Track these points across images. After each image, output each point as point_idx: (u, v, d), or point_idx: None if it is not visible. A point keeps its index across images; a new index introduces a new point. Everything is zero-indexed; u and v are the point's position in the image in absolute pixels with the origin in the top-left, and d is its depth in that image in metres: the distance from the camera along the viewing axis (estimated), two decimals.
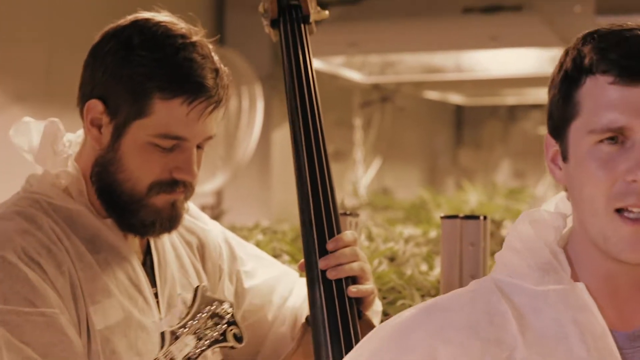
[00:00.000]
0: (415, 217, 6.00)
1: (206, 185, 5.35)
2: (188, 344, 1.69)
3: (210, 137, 1.71)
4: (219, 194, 6.12)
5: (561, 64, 1.30)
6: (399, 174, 9.39)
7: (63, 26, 4.66)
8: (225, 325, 1.76)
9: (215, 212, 5.68)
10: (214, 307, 1.76)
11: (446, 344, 1.25)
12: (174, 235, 1.81)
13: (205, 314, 1.74)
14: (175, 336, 1.68)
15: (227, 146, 5.40)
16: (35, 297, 1.58)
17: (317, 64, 1.91)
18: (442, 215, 2.02)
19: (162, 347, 1.66)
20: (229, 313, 1.77)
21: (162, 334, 1.67)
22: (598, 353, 1.24)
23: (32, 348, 1.55)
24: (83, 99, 1.70)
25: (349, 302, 1.70)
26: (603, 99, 1.23)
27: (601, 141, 1.23)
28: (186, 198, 1.73)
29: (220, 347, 1.75)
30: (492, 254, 2.12)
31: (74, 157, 1.73)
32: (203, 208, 2.42)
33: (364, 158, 8.19)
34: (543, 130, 1.40)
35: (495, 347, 1.25)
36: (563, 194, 1.35)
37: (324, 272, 1.71)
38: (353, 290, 1.71)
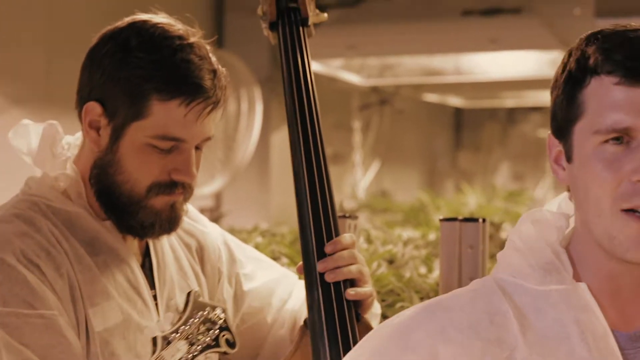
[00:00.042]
0: (414, 219, 6.01)
1: (205, 188, 5.35)
2: (180, 349, 1.69)
3: (208, 138, 1.71)
4: (218, 197, 6.12)
5: (564, 65, 1.30)
6: (398, 177, 9.39)
7: (62, 29, 4.66)
8: (218, 330, 1.76)
9: (214, 215, 5.67)
10: (207, 312, 1.76)
11: (447, 344, 1.25)
12: (173, 237, 1.81)
13: (198, 320, 1.74)
14: (167, 341, 1.67)
15: (226, 149, 5.39)
16: (34, 299, 1.58)
17: (316, 66, 1.91)
18: (441, 217, 2.03)
19: (153, 352, 1.66)
20: (221, 318, 1.77)
21: (154, 339, 1.67)
22: (599, 353, 1.24)
23: (31, 350, 1.55)
24: (81, 101, 1.70)
25: (347, 305, 1.70)
26: (608, 99, 1.24)
27: (606, 141, 1.24)
28: (185, 199, 1.73)
29: (212, 352, 1.75)
30: (491, 256, 2.12)
31: (72, 160, 1.73)
32: (202, 211, 2.42)
33: (363, 160, 8.19)
34: (542, 133, 1.41)
35: (495, 347, 1.25)
36: (566, 194, 1.35)
37: (322, 274, 1.71)
38: (351, 292, 1.71)
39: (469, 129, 11.24)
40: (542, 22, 5.67)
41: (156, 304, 1.73)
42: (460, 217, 1.99)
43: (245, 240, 2.46)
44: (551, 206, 1.37)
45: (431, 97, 9.65)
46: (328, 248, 1.72)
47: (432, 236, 3.97)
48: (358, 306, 1.73)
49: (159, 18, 1.70)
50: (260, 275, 1.93)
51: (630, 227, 1.22)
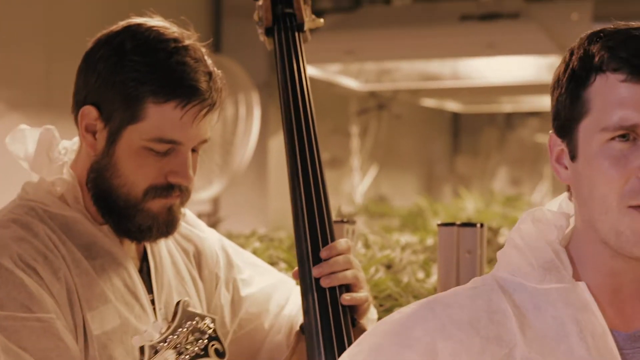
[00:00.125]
0: (412, 224, 6.00)
1: (203, 192, 5.34)
2: (168, 358, 1.68)
3: (204, 141, 1.71)
4: (215, 202, 6.11)
5: (567, 64, 1.30)
6: (396, 182, 9.38)
7: (61, 34, 4.66)
8: (207, 340, 1.75)
9: (212, 220, 5.67)
10: (195, 322, 1.75)
11: (446, 341, 1.26)
12: (171, 242, 1.81)
13: (186, 329, 1.73)
14: (154, 350, 1.67)
15: (223, 154, 5.39)
16: (32, 302, 1.58)
17: (313, 71, 1.92)
18: (439, 222, 2.03)
19: None
20: (210, 328, 1.76)
21: (142, 348, 1.66)
22: (598, 353, 1.25)
23: (29, 353, 1.56)
24: (77, 105, 1.70)
25: (342, 310, 1.70)
26: (614, 96, 1.24)
27: (613, 139, 1.24)
28: (182, 203, 1.73)
29: None
30: (489, 261, 2.12)
31: (69, 164, 1.73)
32: (200, 215, 2.42)
33: (361, 165, 8.18)
34: (540, 137, 1.41)
35: (495, 345, 1.25)
36: (566, 194, 1.36)
37: (317, 280, 1.71)
38: (346, 298, 1.71)
39: (466, 133, 11.23)
40: (540, 27, 5.68)
41: (154, 309, 1.73)
42: (458, 222, 1.99)
43: (243, 245, 2.46)
44: (552, 206, 1.38)
45: (429, 102, 9.64)
46: (323, 253, 1.72)
47: (430, 241, 3.97)
48: (354, 311, 1.73)
49: (154, 21, 1.71)
50: (257, 280, 1.93)
51: (637, 223, 1.23)
